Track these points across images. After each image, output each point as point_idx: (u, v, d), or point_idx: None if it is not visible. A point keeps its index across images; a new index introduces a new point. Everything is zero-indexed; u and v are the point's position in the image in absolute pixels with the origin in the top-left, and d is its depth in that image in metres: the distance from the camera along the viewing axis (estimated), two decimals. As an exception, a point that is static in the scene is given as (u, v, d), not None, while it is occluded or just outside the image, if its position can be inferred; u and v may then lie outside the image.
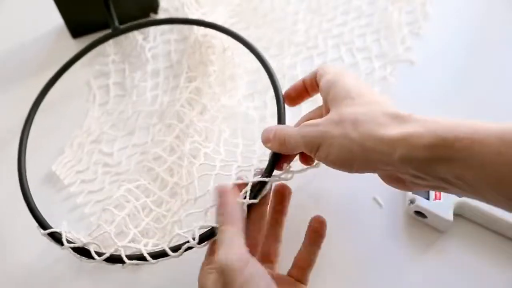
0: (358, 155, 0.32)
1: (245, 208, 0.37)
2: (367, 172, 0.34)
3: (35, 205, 0.42)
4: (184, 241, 0.37)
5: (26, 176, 0.43)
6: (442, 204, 0.42)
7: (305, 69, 0.55)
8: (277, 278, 0.34)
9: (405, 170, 0.32)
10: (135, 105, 0.54)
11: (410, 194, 0.43)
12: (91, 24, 0.60)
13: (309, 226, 0.40)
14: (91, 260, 0.38)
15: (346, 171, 0.34)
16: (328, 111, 0.36)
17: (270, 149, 0.39)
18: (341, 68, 0.38)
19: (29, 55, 0.61)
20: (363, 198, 0.45)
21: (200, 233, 0.37)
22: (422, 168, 0.31)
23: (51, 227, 0.40)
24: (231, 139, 0.49)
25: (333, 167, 0.35)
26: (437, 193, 0.42)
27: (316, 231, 0.39)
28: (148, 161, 0.48)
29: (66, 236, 0.39)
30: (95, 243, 0.39)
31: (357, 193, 0.45)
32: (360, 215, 0.44)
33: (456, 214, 0.42)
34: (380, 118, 0.32)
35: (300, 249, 0.40)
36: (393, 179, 0.35)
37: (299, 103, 0.43)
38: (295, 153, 0.38)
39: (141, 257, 0.37)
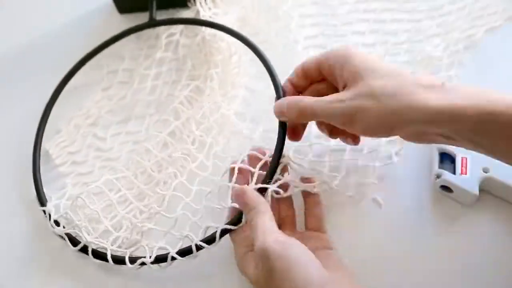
0: (398, 124, 0.35)
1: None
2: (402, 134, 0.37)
3: (41, 181, 0.48)
4: (142, 255, 0.40)
5: (40, 154, 0.50)
6: (468, 179, 0.42)
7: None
8: (300, 237, 0.37)
9: (444, 133, 0.35)
10: (134, 92, 0.55)
11: (436, 169, 0.44)
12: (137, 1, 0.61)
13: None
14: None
15: (382, 137, 0.39)
16: (343, 87, 0.38)
17: (285, 120, 0.41)
18: (347, 47, 0.39)
19: (77, 30, 0.63)
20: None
21: (156, 254, 0.40)
22: (463, 135, 0.34)
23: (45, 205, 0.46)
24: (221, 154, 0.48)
25: (369, 136, 0.38)
26: (463, 168, 0.43)
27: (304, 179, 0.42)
28: (139, 153, 0.49)
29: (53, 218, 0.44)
30: (72, 231, 0.43)
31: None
32: (385, 191, 0.45)
33: (482, 189, 0.43)
34: (416, 89, 0.34)
35: (305, 206, 0.42)
36: (416, 137, 0.37)
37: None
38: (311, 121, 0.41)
39: (105, 256, 0.41)
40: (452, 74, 0.51)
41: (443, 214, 0.43)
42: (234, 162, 0.42)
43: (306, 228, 0.41)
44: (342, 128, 0.38)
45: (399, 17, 0.57)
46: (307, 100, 0.39)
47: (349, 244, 0.42)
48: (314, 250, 0.35)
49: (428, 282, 0.40)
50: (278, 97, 0.43)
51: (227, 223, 0.39)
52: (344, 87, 0.38)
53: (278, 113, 0.41)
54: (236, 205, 0.39)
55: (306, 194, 0.42)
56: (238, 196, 0.38)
